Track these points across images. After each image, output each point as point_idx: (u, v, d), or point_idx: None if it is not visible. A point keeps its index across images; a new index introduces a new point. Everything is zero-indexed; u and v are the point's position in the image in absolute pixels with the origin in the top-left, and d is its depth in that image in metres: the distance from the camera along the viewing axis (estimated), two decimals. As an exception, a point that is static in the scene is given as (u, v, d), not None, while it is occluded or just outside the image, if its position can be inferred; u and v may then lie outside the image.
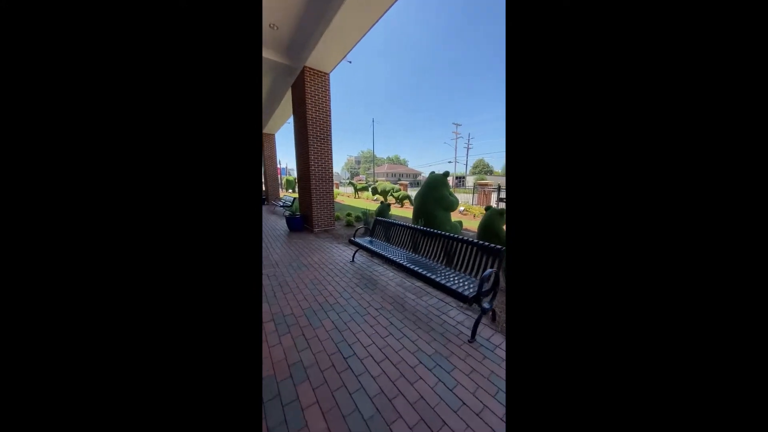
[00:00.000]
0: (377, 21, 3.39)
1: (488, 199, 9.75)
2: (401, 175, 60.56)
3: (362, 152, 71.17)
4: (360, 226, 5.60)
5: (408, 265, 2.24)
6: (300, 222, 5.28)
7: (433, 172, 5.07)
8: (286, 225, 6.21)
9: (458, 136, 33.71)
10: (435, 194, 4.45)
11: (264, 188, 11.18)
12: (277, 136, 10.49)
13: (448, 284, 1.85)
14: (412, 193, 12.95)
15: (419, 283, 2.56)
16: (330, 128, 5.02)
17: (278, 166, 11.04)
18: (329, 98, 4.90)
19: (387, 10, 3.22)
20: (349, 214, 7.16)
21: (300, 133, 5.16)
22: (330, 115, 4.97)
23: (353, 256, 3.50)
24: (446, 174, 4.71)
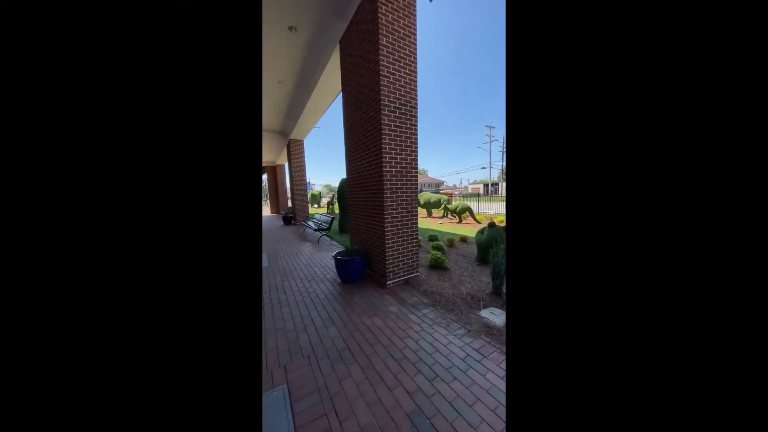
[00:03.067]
0: None
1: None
2: (422, 185, 58.77)
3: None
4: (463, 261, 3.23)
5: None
6: (360, 267, 2.92)
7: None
8: (332, 268, 3.99)
9: (492, 139, 30.95)
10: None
11: (291, 204, 9.33)
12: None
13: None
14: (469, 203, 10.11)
15: None
16: (416, 92, 2.81)
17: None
18: (415, 36, 2.70)
19: None
20: (418, 243, 4.45)
21: (358, 107, 3.05)
22: (417, 75, 2.79)
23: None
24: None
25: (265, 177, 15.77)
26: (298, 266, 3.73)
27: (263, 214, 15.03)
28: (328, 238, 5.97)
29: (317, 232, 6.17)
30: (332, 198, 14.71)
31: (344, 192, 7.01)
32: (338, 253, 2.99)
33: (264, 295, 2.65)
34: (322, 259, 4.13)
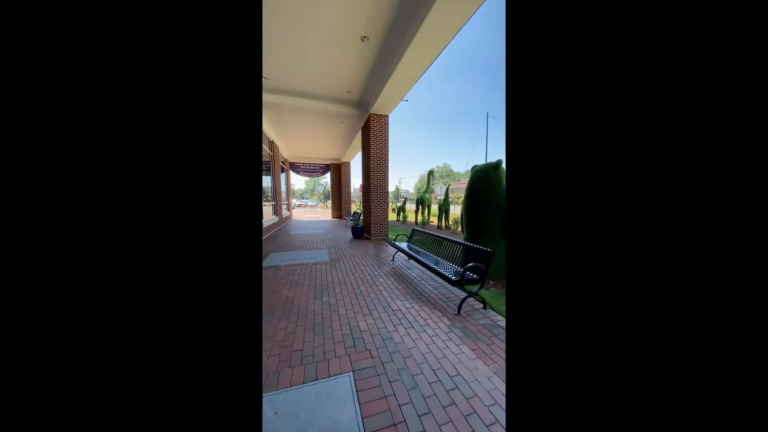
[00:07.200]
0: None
1: None
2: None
3: (437, 167, 64.97)
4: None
5: None
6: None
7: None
8: None
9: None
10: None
11: (361, 210, 6.60)
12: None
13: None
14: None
15: None
16: None
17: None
18: None
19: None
20: None
21: None
22: None
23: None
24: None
25: (327, 178, 13.98)
26: None
27: (329, 217, 13.18)
28: (481, 306, 2.36)
29: (449, 283, 2.35)
30: (404, 203, 11.60)
31: (484, 191, 3.25)
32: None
33: None
34: None
